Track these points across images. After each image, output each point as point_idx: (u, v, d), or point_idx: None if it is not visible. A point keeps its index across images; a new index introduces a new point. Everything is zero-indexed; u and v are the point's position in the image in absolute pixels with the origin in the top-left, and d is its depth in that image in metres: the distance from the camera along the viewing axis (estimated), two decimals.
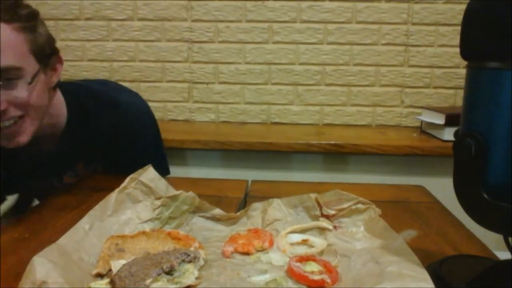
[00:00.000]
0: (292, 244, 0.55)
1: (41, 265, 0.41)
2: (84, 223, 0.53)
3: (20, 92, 0.74)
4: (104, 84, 1.01)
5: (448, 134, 1.48)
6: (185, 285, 0.45)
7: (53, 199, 0.77)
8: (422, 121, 1.66)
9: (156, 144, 1.03)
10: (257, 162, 1.55)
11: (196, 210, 0.62)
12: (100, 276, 0.47)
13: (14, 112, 0.75)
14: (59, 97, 0.89)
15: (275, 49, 1.70)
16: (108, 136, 0.92)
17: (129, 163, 0.80)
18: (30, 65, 0.76)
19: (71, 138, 0.90)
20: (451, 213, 0.72)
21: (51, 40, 0.82)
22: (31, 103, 0.76)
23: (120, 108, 0.94)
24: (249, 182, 0.87)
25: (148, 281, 0.43)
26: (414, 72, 1.70)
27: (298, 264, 0.48)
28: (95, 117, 0.91)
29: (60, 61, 0.85)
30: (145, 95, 1.03)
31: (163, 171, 1.03)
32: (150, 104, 1.03)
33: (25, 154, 0.88)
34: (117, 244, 0.52)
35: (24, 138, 0.78)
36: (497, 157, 0.40)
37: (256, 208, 0.63)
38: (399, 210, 0.73)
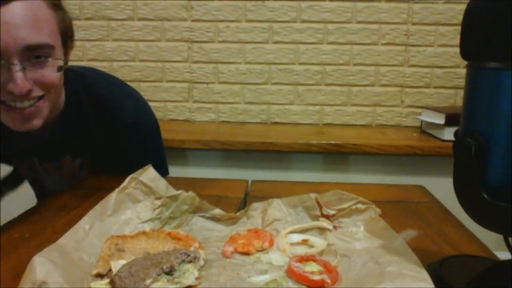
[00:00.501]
0: (292, 244, 0.55)
1: (41, 265, 0.41)
2: (84, 223, 0.53)
3: (49, 71, 0.71)
4: (104, 77, 0.98)
5: (448, 134, 1.48)
6: (185, 285, 0.45)
7: (53, 199, 0.77)
8: (422, 121, 1.66)
9: (154, 145, 1.01)
10: (257, 162, 1.55)
11: (196, 210, 0.62)
12: (100, 276, 0.46)
13: (37, 92, 0.71)
14: None
15: (275, 49, 1.70)
16: (103, 133, 0.90)
17: (125, 162, 0.79)
18: (58, 45, 0.73)
19: (63, 126, 0.87)
20: (451, 213, 0.72)
21: (71, 22, 0.79)
22: (56, 84, 0.74)
23: (117, 108, 0.91)
24: (249, 182, 0.87)
25: (148, 281, 0.43)
26: (414, 72, 1.70)
27: (298, 264, 0.48)
28: (91, 112, 0.89)
29: (72, 46, 0.82)
30: (145, 95, 1.03)
31: (161, 171, 1.02)
32: (150, 104, 1.03)
33: (15, 136, 0.85)
34: (117, 244, 0.52)
35: (39, 121, 0.74)
36: (497, 157, 0.40)
37: (256, 208, 0.63)
38: (399, 210, 0.73)
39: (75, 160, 0.93)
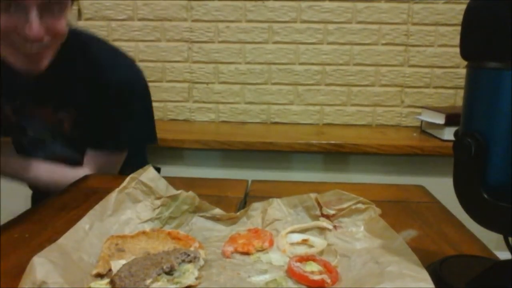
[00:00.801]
0: (292, 244, 0.55)
1: (41, 265, 0.41)
2: (84, 223, 0.53)
3: (61, 23, 0.78)
4: (98, 39, 1.00)
5: (448, 134, 1.48)
6: (185, 285, 0.45)
7: (53, 199, 0.77)
8: (422, 121, 1.66)
9: (143, 108, 1.01)
10: (257, 162, 1.55)
11: (196, 210, 0.62)
12: (100, 276, 0.46)
13: (47, 39, 0.78)
14: None
15: (275, 49, 1.70)
16: (92, 91, 0.92)
17: (112, 123, 0.82)
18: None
19: (51, 75, 0.88)
20: (451, 213, 0.72)
21: None
22: (64, 35, 0.81)
23: (108, 67, 0.93)
24: (249, 182, 0.87)
25: (148, 281, 0.43)
26: (414, 72, 1.70)
27: (298, 264, 0.48)
28: (82, 68, 0.91)
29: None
30: None
31: (150, 138, 1.03)
32: None
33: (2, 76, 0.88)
34: (117, 244, 0.52)
35: (45, 63, 0.81)
36: (497, 157, 0.40)
37: (256, 208, 0.63)
38: (399, 210, 0.73)
39: (59, 112, 0.95)
